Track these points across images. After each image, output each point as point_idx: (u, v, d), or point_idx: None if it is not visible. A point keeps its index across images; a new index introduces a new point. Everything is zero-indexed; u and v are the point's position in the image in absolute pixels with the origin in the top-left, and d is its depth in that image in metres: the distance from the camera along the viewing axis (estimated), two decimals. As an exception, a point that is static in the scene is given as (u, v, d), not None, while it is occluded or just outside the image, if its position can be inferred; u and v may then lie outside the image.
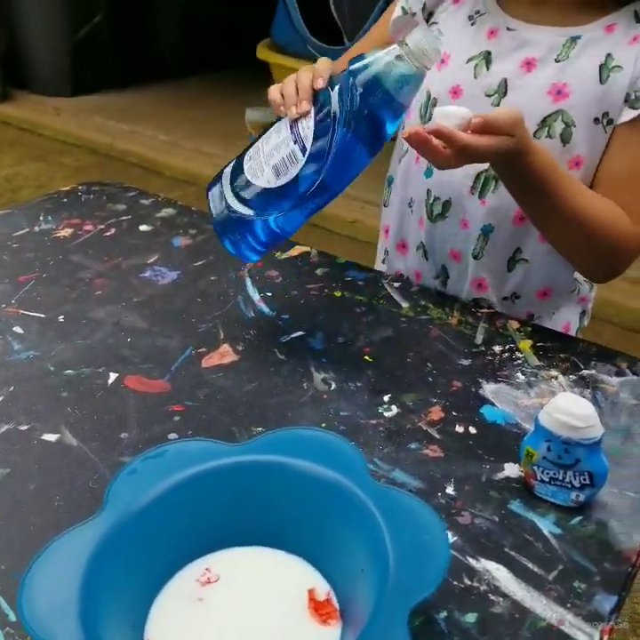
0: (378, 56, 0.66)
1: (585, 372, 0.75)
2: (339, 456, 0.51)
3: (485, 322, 0.83)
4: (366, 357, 0.77)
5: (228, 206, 0.72)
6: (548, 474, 0.57)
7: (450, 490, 0.60)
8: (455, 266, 0.93)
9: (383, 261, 1.06)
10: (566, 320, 0.97)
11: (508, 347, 0.79)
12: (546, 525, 0.57)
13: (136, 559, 0.47)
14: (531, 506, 0.58)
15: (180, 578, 0.50)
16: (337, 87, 0.67)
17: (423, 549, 0.44)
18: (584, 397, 0.70)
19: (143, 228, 1.02)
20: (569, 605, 0.50)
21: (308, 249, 0.98)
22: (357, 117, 0.65)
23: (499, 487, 0.60)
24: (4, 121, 4.07)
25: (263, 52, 4.14)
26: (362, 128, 0.65)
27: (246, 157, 0.73)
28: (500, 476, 0.62)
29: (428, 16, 0.90)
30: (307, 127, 0.67)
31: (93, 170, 3.29)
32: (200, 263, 0.94)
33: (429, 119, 0.87)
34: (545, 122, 0.80)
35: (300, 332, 0.81)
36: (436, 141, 0.65)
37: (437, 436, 0.66)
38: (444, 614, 0.50)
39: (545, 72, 0.81)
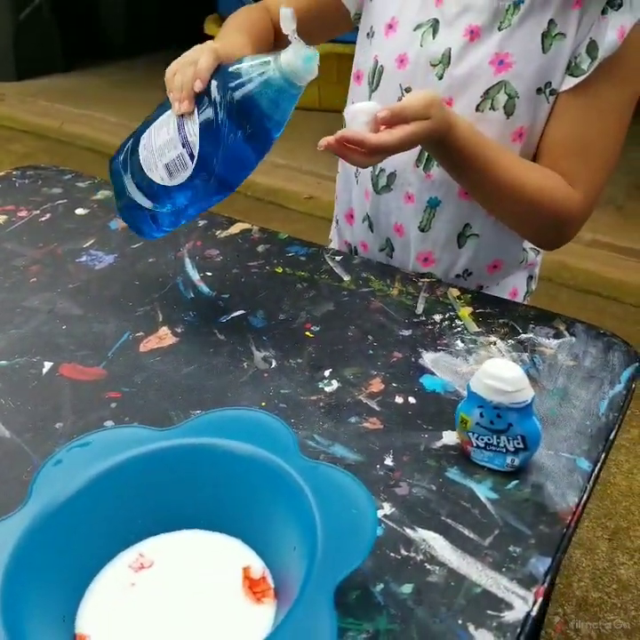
0: (253, 70, 0.65)
1: (523, 335, 0.75)
2: (269, 434, 0.50)
3: (426, 291, 0.83)
4: (307, 333, 0.76)
5: (128, 191, 0.73)
6: (482, 439, 0.57)
7: (388, 461, 0.60)
8: (398, 240, 0.93)
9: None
10: (513, 286, 0.98)
11: (448, 315, 0.79)
12: (483, 491, 0.57)
13: (63, 550, 0.46)
14: (468, 472, 0.59)
15: (112, 566, 0.49)
16: (215, 88, 0.66)
17: (351, 524, 0.44)
18: (522, 361, 0.71)
19: (79, 211, 1.00)
20: (504, 570, 0.51)
21: (248, 226, 0.96)
22: (238, 126, 0.64)
23: (437, 456, 0.60)
24: (-54, 108, 3.94)
25: (211, 28, 4.06)
26: (244, 134, 0.65)
27: (142, 144, 0.72)
28: (439, 444, 0.62)
29: None
30: (193, 131, 0.66)
31: (43, 155, 3.21)
32: (138, 245, 0.91)
33: (377, 86, 0.86)
34: (488, 93, 0.79)
35: (240, 311, 0.79)
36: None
37: (377, 409, 0.66)
38: (380, 586, 0.50)
39: (488, 42, 0.79)
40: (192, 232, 0.95)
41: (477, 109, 0.80)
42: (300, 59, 0.63)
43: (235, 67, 0.66)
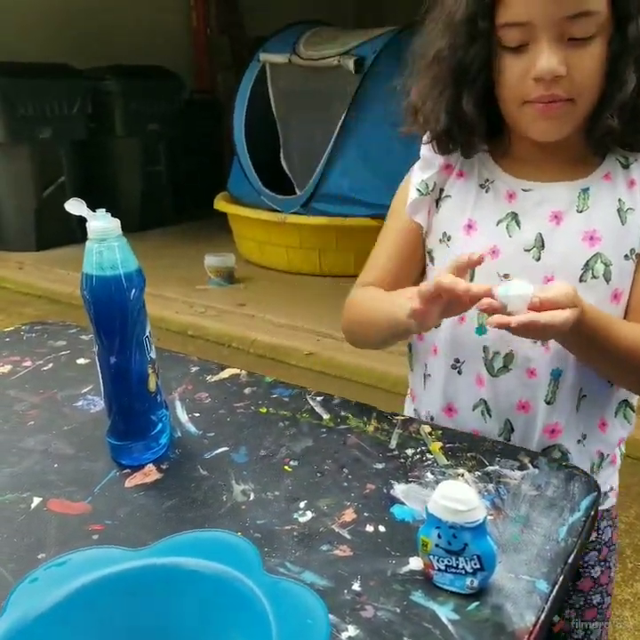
0: None
1: (489, 468, 0.79)
2: (235, 553, 0.54)
3: (400, 428, 0.88)
4: (286, 468, 0.80)
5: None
6: (442, 562, 0.60)
7: (356, 586, 0.62)
8: (522, 417, 0.93)
9: None
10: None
11: (419, 449, 0.83)
12: (444, 613, 0.59)
13: (32, 665, 0.48)
14: (432, 596, 0.61)
15: (79, 686, 0.50)
16: None
17: (305, 633, 0.46)
18: (488, 491, 0.74)
19: (80, 361, 1.07)
20: (463, 688, 0.52)
21: (237, 371, 1.04)
22: None
23: (402, 580, 0.63)
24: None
25: (221, 204, 4.42)
26: None
27: None
28: (405, 569, 0.64)
29: (440, 192, 0.96)
30: None
31: (54, 317, 3.37)
32: (132, 390, 0.98)
33: (471, 279, 0.90)
34: (587, 265, 0.88)
35: (223, 448, 0.84)
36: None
37: (348, 537, 0.69)
38: None
39: (573, 222, 0.89)
40: (184, 377, 1.02)
41: (581, 280, 0.88)
42: None
43: None
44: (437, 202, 0.96)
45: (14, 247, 4.61)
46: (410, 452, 0.83)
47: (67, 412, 0.93)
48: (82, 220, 0.77)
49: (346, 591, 0.62)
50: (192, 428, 0.89)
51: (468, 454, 0.82)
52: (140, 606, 0.52)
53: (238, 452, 0.83)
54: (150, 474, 0.80)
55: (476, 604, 0.59)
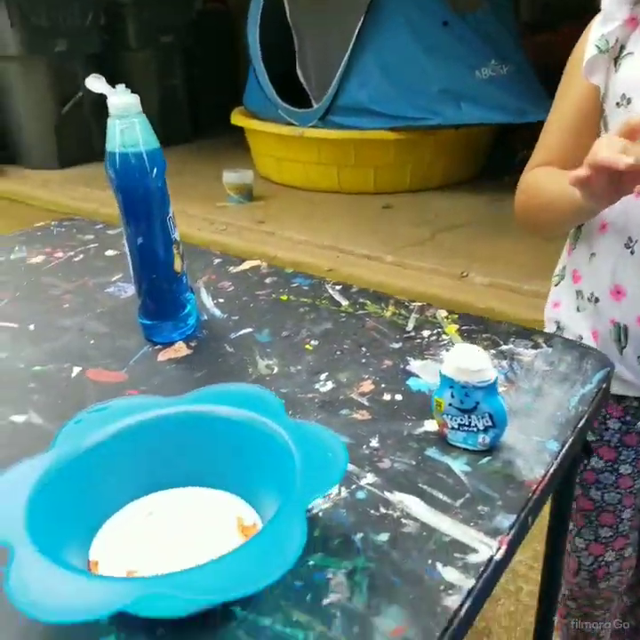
0: None
1: (504, 346, 0.82)
2: (261, 402, 0.58)
3: (417, 312, 0.91)
4: (307, 346, 0.84)
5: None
6: (455, 420, 0.64)
7: (374, 443, 0.67)
8: None
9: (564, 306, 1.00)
10: None
11: (435, 331, 0.86)
12: (458, 466, 0.63)
13: (79, 493, 0.53)
14: (446, 451, 0.65)
15: (123, 512, 0.56)
16: None
17: (326, 464, 0.51)
18: (502, 367, 0.78)
19: (109, 252, 1.11)
20: (472, 524, 0.57)
21: (258, 263, 1.07)
22: None
23: (418, 439, 0.67)
24: (-6, 194, 4.24)
25: (237, 118, 4.35)
26: None
27: None
28: (420, 430, 0.68)
29: (620, 50, 0.87)
30: None
31: (78, 233, 3.42)
32: (159, 278, 1.02)
33: None
34: None
35: (248, 329, 0.88)
36: None
37: (367, 404, 0.73)
38: (360, 535, 0.56)
39: None
40: (207, 268, 1.05)
41: None
42: None
43: None
44: (616, 60, 0.87)
45: (37, 165, 4.61)
46: (426, 333, 0.86)
47: (99, 297, 0.97)
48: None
49: (365, 447, 0.66)
50: (217, 312, 0.93)
51: (484, 335, 0.85)
52: (175, 447, 0.57)
53: (262, 333, 0.87)
54: (180, 350, 0.84)
55: (488, 458, 0.64)
